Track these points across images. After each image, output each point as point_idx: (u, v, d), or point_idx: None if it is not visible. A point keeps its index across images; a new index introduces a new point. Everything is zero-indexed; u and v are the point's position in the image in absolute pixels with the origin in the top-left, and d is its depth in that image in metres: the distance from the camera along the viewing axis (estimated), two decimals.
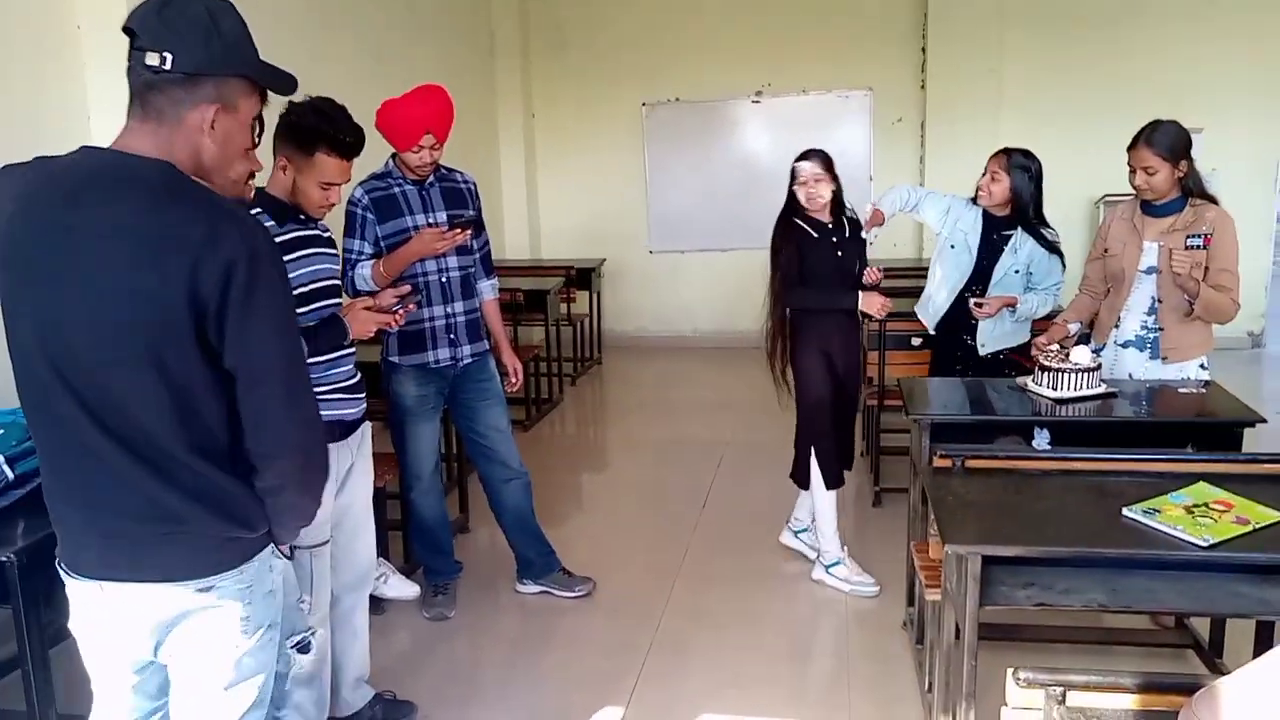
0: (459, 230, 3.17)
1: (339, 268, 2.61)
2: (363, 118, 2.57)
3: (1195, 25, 7.25)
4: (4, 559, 2.06)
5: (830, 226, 3.59)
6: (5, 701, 2.82)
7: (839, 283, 3.58)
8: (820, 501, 3.70)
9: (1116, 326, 3.44)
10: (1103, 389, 3.15)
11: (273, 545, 1.65)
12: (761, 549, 4.05)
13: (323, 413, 2.43)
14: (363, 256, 3.22)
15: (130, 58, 1.46)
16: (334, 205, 2.51)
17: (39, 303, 1.47)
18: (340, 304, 2.55)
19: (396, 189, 3.25)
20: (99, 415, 1.48)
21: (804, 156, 3.54)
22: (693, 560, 3.98)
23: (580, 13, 8.17)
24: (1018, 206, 3.70)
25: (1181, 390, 3.19)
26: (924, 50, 7.66)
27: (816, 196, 3.50)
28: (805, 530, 3.95)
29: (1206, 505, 2.09)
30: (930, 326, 3.95)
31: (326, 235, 2.56)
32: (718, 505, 4.60)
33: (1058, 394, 3.13)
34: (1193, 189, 3.27)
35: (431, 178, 3.29)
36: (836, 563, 3.72)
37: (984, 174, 3.75)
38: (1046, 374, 3.18)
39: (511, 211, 8.26)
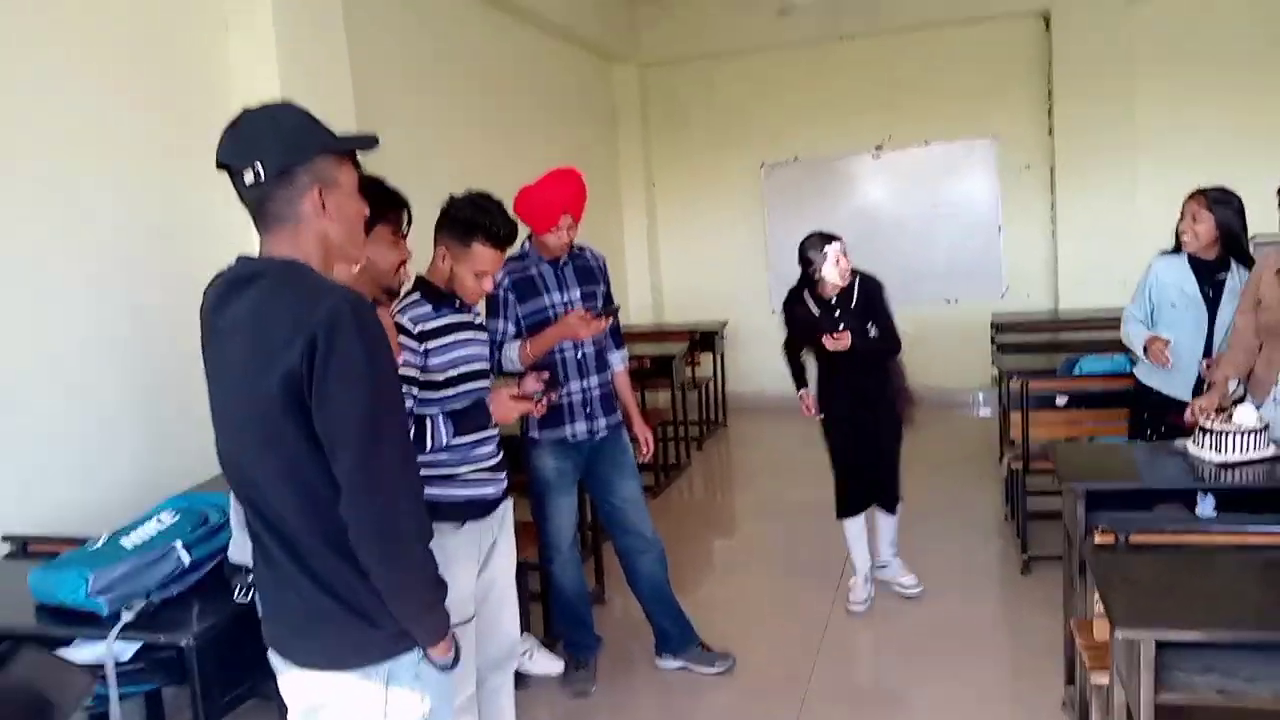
0: (603, 317, 3.27)
1: (487, 351, 2.71)
2: (502, 201, 2.68)
3: None
4: (183, 643, 2.17)
5: (834, 301, 3.84)
6: None
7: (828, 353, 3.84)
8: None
9: (1277, 383, 3.22)
10: (1272, 451, 2.94)
11: (419, 652, 1.64)
12: (905, 621, 3.92)
13: (465, 492, 2.54)
14: (508, 337, 3.32)
15: (235, 189, 1.58)
16: (488, 292, 2.64)
17: (211, 401, 1.65)
18: (488, 387, 2.64)
19: (534, 270, 3.36)
20: (254, 503, 1.61)
21: (827, 239, 3.79)
22: (834, 633, 3.88)
23: (697, 81, 8.35)
24: (1227, 243, 3.52)
25: None
26: (1050, 94, 7.48)
27: (846, 272, 3.80)
28: (884, 566, 4.15)
29: None
30: (1189, 394, 3.55)
31: (478, 321, 2.68)
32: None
33: (1222, 457, 2.95)
34: None
35: (564, 257, 3.39)
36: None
37: (1181, 219, 3.59)
38: (1208, 436, 3.00)
39: (635, 279, 8.42)
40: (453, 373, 2.53)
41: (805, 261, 3.85)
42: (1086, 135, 7.28)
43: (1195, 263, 3.59)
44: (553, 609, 3.71)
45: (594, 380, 3.41)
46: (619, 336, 3.62)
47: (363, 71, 4.21)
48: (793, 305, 3.96)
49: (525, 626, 3.62)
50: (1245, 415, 3.00)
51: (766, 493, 6.11)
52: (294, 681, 1.69)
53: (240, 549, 2.14)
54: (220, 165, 1.59)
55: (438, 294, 2.58)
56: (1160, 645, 1.98)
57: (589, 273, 3.46)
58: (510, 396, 2.60)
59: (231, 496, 2.06)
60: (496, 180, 2.69)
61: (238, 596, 2.26)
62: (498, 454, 2.67)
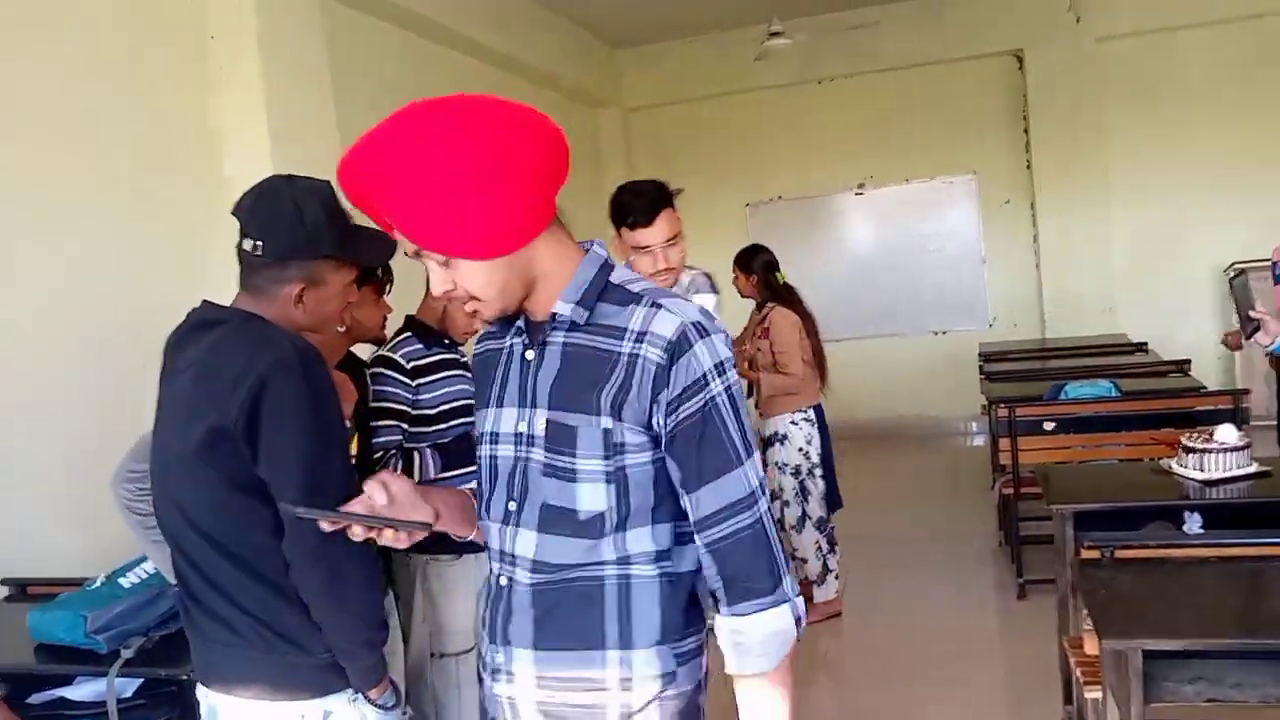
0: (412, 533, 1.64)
1: (473, 389, 2.73)
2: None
3: None
4: (184, 677, 2.15)
5: None
6: None
7: None
8: None
9: None
10: (1254, 468, 3.00)
11: (354, 693, 1.64)
12: (906, 648, 3.93)
13: None
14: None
15: (239, 237, 1.67)
16: (479, 330, 2.63)
17: (154, 438, 1.71)
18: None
19: (508, 340, 1.69)
20: (177, 540, 1.66)
21: None
22: (830, 658, 3.89)
23: (680, 124, 8.48)
24: None
25: None
26: (1026, 132, 7.65)
27: None
28: None
29: None
30: None
31: (464, 360, 2.71)
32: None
33: (1206, 475, 3.00)
34: None
35: (550, 322, 1.68)
36: None
37: None
38: (1192, 455, 3.05)
39: None
40: (444, 407, 2.58)
41: None
42: (1063, 169, 7.44)
43: None
44: None
45: None
46: None
47: (349, 118, 4.30)
48: None
49: None
50: (1227, 434, 3.06)
51: None
52: (210, 702, 1.68)
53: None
54: (235, 213, 1.67)
55: (428, 332, 2.63)
56: (1149, 656, 2.02)
57: (598, 362, 1.35)
58: None
59: None
60: None
61: None
62: None
